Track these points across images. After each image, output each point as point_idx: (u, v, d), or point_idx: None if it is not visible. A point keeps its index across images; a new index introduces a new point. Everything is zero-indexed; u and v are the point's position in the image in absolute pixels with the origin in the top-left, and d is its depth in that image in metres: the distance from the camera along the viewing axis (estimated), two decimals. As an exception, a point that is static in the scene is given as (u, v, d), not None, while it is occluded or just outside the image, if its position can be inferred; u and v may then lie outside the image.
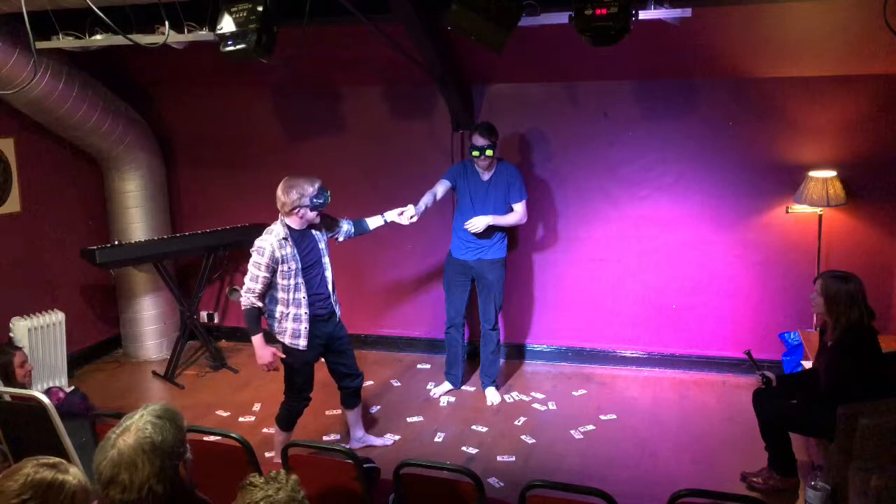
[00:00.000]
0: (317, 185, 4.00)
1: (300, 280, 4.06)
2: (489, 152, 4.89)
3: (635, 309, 5.69)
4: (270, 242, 3.97)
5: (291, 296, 4.05)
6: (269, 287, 4.05)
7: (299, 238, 4.07)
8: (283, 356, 4.18)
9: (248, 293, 4.03)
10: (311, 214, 4.04)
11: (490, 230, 5.00)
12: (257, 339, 4.10)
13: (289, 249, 4.01)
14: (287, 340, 4.12)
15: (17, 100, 5.11)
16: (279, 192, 3.99)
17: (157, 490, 1.90)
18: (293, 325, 4.09)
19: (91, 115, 5.46)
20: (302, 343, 4.10)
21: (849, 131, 5.07)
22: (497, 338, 5.24)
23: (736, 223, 5.40)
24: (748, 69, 5.06)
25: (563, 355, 5.91)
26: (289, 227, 4.04)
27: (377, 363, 5.96)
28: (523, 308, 5.93)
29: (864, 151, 5.06)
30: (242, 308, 4.09)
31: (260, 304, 4.06)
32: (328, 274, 4.22)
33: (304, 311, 4.08)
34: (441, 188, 5.02)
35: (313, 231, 4.16)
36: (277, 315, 4.09)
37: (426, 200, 4.80)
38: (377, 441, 4.67)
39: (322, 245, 4.19)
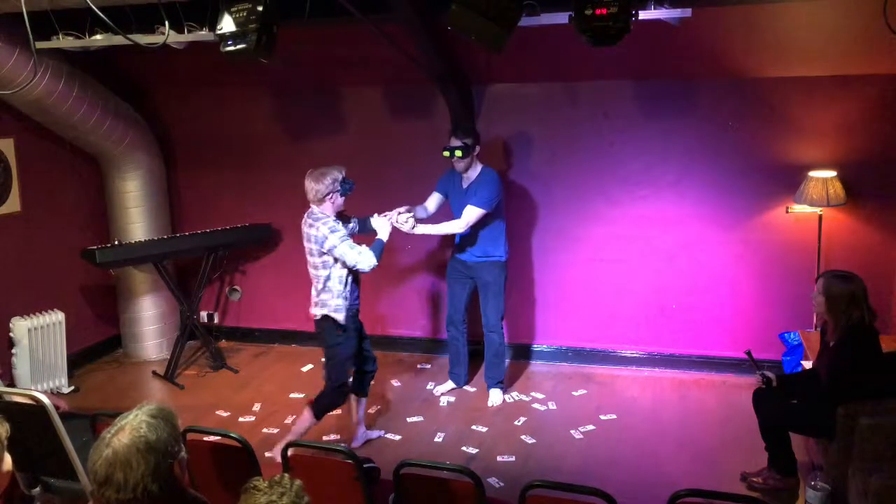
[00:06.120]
0: (343, 172, 4.24)
1: None
2: (459, 153, 4.81)
3: (635, 309, 5.69)
4: (333, 220, 4.17)
5: (349, 275, 4.25)
6: (329, 270, 4.19)
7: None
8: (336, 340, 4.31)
9: (361, 256, 4.15)
10: (340, 200, 4.25)
11: (474, 233, 4.95)
12: (384, 239, 4.36)
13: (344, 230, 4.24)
14: (350, 321, 4.28)
15: (17, 100, 5.11)
16: (310, 182, 4.17)
17: (153, 489, 1.90)
18: (353, 303, 4.31)
19: (91, 115, 5.46)
20: (353, 325, 4.31)
21: (849, 131, 5.07)
22: (498, 340, 5.21)
23: (736, 223, 5.39)
24: (748, 69, 5.05)
25: (564, 355, 5.91)
26: None
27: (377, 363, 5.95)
28: (523, 308, 5.93)
29: (864, 151, 5.05)
30: (372, 266, 4.18)
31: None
32: None
33: (356, 293, 4.34)
34: (433, 202, 5.08)
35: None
36: (338, 293, 4.22)
37: (419, 212, 4.91)
38: (375, 434, 4.76)
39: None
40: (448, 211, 5.12)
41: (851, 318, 3.69)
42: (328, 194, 4.15)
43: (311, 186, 4.16)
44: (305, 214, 4.31)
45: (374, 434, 4.76)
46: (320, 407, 4.34)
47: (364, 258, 4.16)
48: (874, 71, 4.87)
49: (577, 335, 5.87)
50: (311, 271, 4.28)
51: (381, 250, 4.28)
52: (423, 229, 4.77)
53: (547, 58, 5.16)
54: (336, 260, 4.17)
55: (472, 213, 4.85)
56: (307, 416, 4.33)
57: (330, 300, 4.22)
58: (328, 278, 4.20)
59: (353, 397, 4.60)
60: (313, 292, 4.31)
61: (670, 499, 2.63)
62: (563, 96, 5.57)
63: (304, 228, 4.25)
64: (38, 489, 3.47)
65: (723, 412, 4.99)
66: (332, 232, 4.12)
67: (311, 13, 4.02)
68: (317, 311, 4.27)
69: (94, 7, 2.94)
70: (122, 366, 6.20)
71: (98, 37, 4.49)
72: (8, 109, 5.30)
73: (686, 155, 5.41)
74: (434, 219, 5.00)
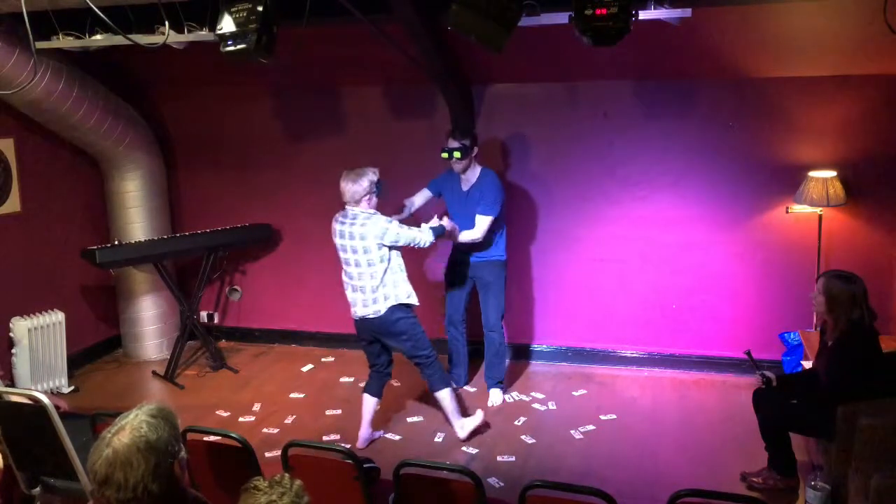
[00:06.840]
0: (377, 174, 4.33)
1: None
2: (457, 154, 4.82)
3: (635, 309, 5.69)
4: (380, 213, 4.32)
5: (404, 262, 4.43)
6: (386, 262, 4.29)
7: None
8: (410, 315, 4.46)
9: (421, 232, 4.37)
10: (375, 201, 4.35)
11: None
12: (447, 225, 4.57)
13: None
14: (417, 301, 4.45)
15: (17, 100, 5.11)
16: (348, 183, 4.26)
17: (153, 489, 1.90)
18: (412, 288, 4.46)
19: (91, 115, 5.46)
20: None
21: (849, 131, 5.07)
22: (498, 340, 5.20)
23: (736, 223, 5.40)
24: (748, 69, 5.06)
25: (564, 355, 5.91)
26: None
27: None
28: (523, 308, 5.92)
29: (864, 151, 5.06)
30: (430, 242, 4.41)
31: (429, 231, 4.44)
32: None
33: None
34: (420, 197, 5.07)
35: None
36: (404, 278, 4.40)
37: (404, 211, 4.92)
38: (377, 434, 4.76)
39: None
40: (438, 207, 5.12)
41: (851, 319, 3.69)
42: (366, 195, 4.26)
43: (349, 188, 4.25)
44: (340, 216, 4.34)
45: (376, 434, 4.76)
46: (440, 379, 4.51)
47: (423, 234, 4.38)
48: (874, 71, 4.87)
49: (577, 335, 5.87)
50: (364, 270, 4.28)
51: (440, 234, 4.50)
52: (462, 236, 4.86)
53: (547, 58, 5.16)
54: (390, 249, 4.29)
55: (484, 222, 4.85)
56: (445, 395, 4.50)
57: (395, 290, 4.33)
58: (386, 271, 4.29)
59: (367, 397, 4.63)
60: (359, 294, 4.34)
61: (670, 499, 2.63)
62: (563, 96, 5.57)
63: (350, 229, 4.26)
64: (38, 489, 3.47)
65: (723, 412, 4.99)
66: (390, 222, 4.28)
67: (311, 13, 4.01)
68: (381, 307, 4.33)
69: (94, 7, 2.95)
70: (122, 366, 6.20)
71: (98, 37, 4.48)
72: (8, 109, 5.30)
73: (686, 155, 5.41)
74: (440, 207, 5.04)
